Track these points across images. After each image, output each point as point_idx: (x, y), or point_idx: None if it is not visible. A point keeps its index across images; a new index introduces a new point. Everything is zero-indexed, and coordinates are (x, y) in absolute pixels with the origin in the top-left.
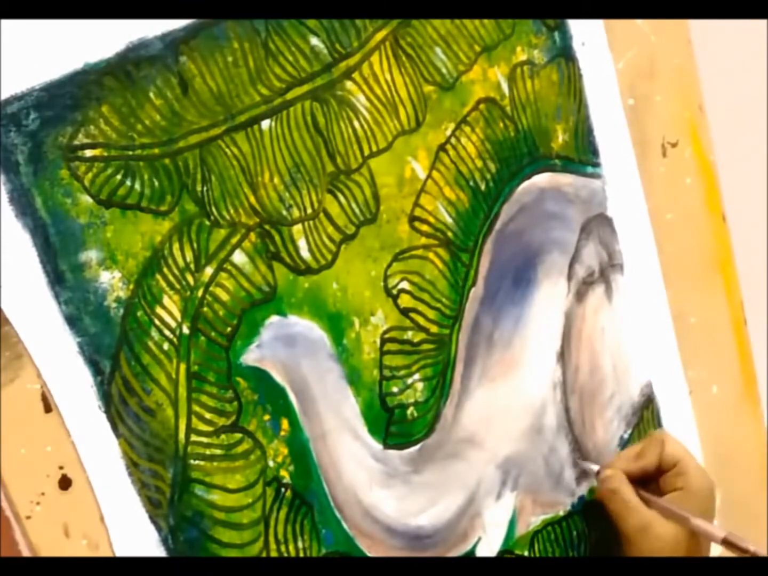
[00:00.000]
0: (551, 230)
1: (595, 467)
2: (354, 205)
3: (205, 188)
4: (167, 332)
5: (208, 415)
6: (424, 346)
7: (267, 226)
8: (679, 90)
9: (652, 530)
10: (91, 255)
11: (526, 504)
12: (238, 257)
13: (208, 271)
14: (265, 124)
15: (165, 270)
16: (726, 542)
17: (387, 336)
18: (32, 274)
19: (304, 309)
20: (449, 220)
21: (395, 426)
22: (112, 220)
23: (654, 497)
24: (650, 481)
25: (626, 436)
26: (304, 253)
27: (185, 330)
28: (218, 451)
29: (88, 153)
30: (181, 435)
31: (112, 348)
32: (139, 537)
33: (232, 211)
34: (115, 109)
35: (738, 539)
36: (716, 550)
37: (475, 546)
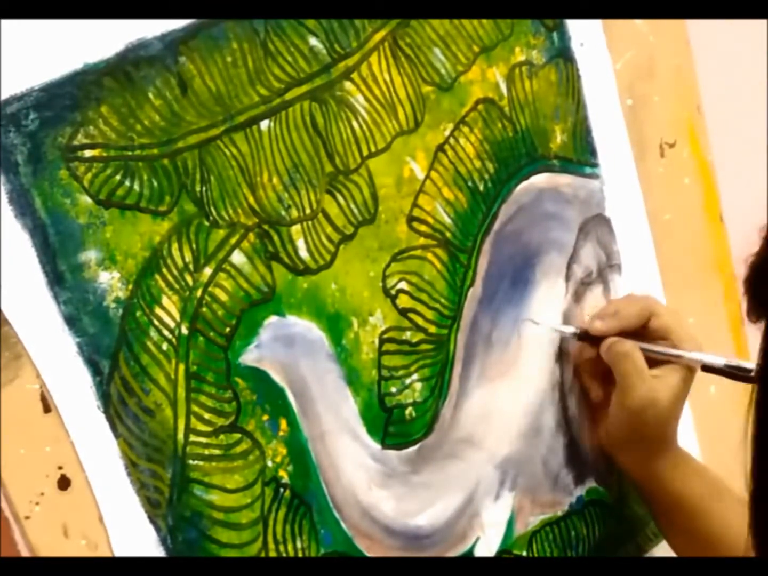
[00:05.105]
0: (549, 231)
1: (570, 328)
2: (353, 206)
3: (204, 188)
4: (166, 332)
5: (206, 416)
6: (422, 346)
7: (266, 227)
8: (678, 90)
9: (658, 399)
10: (90, 255)
11: (525, 504)
12: (237, 257)
13: (207, 271)
14: (264, 124)
15: (164, 270)
16: (729, 368)
17: (385, 336)
18: (32, 274)
19: (302, 309)
20: (448, 221)
21: (394, 426)
22: (111, 221)
23: (647, 344)
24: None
25: None
26: (303, 254)
27: (184, 330)
28: (217, 452)
29: (88, 153)
30: (180, 435)
31: (111, 348)
32: (138, 537)
33: (230, 212)
34: (115, 110)
35: (739, 361)
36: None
37: (473, 546)
